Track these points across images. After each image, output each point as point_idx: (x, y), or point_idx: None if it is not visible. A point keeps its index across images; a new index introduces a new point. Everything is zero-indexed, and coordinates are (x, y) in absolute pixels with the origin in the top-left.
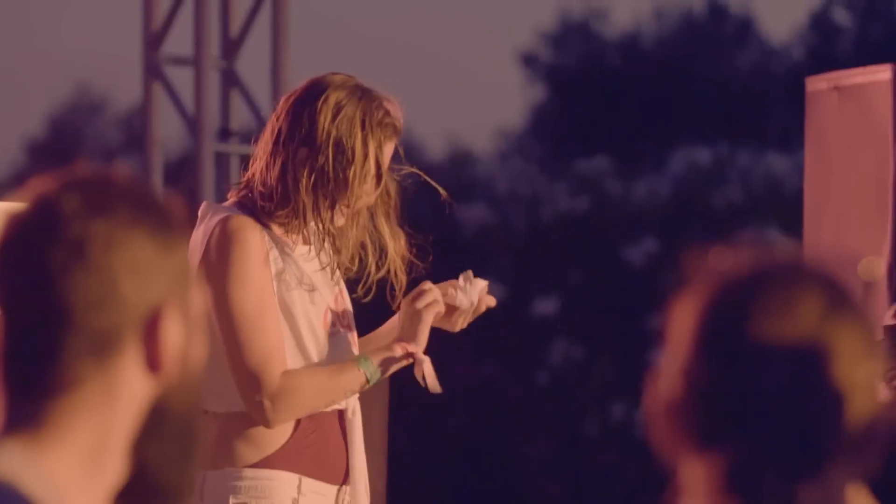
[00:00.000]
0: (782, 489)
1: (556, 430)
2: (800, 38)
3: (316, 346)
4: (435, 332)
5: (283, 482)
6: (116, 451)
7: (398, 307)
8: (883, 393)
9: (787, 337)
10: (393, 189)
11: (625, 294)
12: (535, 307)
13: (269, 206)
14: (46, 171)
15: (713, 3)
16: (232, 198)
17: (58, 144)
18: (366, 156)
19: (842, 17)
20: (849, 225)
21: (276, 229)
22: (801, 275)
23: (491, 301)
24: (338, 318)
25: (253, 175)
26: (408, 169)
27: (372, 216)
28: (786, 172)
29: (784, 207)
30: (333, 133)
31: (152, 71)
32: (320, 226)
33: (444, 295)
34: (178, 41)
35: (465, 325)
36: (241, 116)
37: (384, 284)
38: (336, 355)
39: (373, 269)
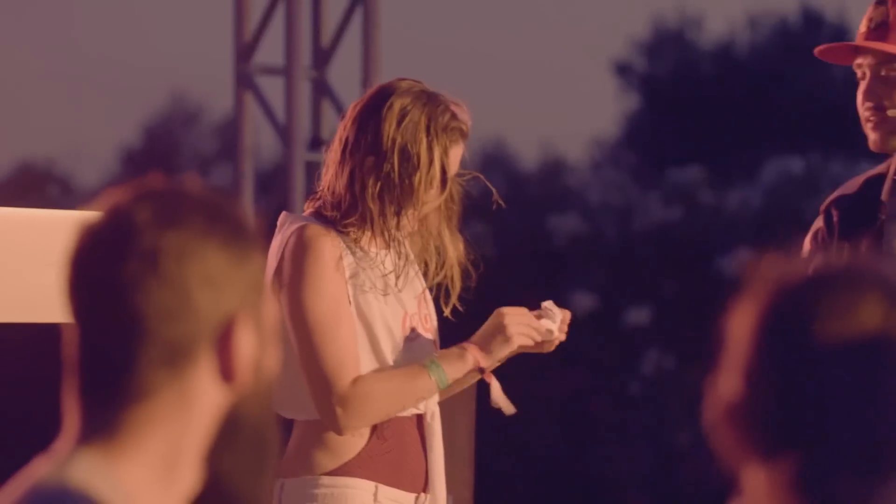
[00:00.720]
0: (855, 493)
1: (648, 440)
2: None
3: (394, 350)
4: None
5: (360, 489)
6: (190, 460)
7: (450, 313)
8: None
9: (852, 338)
10: (457, 194)
11: (718, 304)
12: (628, 317)
13: (338, 215)
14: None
15: (808, 11)
16: (308, 208)
17: (153, 153)
18: (431, 161)
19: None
20: None
21: (352, 236)
22: (861, 276)
23: (562, 336)
24: (418, 323)
25: (325, 184)
26: (470, 174)
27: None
28: None
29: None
30: (398, 140)
31: (244, 81)
32: (387, 233)
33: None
34: (270, 51)
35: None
36: (332, 126)
37: (469, 296)
38: (415, 360)
39: (431, 273)
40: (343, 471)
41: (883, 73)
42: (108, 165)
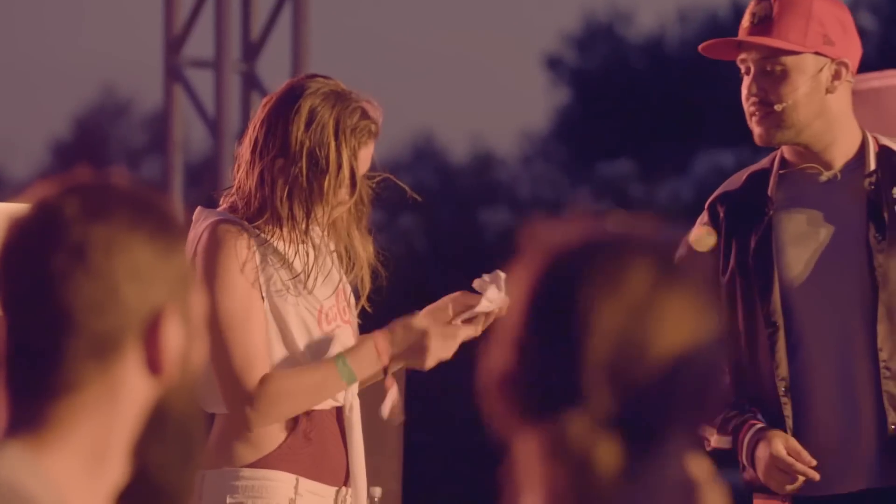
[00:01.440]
0: (617, 459)
1: None
2: None
3: (309, 346)
4: None
5: (280, 482)
6: (118, 452)
7: (358, 313)
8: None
9: (617, 307)
10: (366, 196)
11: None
12: None
13: (249, 214)
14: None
15: (738, 5)
16: (224, 203)
17: (83, 146)
18: (340, 164)
19: (866, 20)
20: None
21: (264, 233)
22: (630, 245)
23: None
24: (336, 316)
25: (237, 181)
26: (382, 175)
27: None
28: None
29: None
30: (307, 143)
31: (173, 73)
32: (297, 234)
33: (464, 310)
34: (200, 44)
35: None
36: None
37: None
38: (329, 351)
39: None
40: (263, 463)
41: (767, 67)
42: (38, 157)
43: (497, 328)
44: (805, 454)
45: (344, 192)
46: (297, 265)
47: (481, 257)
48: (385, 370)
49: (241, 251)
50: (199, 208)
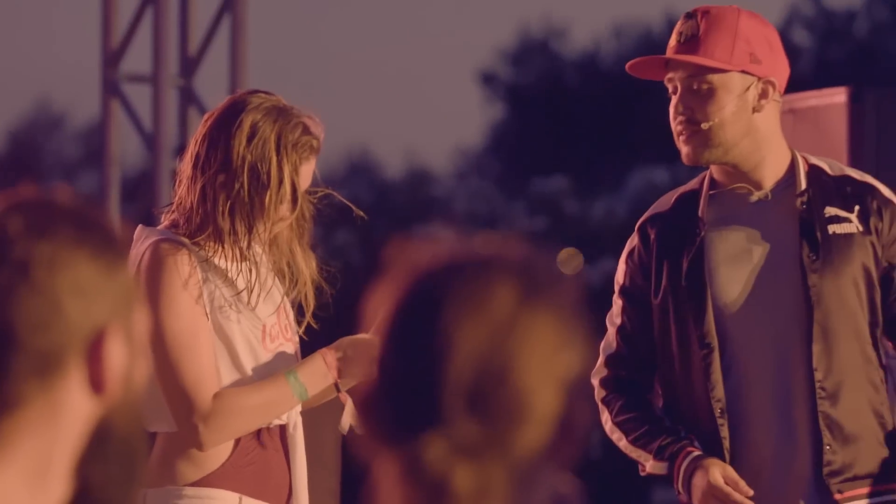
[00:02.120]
0: (472, 482)
1: None
2: None
3: (255, 364)
4: None
5: (223, 501)
6: (60, 471)
7: (303, 331)
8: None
9: (478, 329)
10: (308, 211)
11: (583, 313)
12: None
13: (190, 230)
14: (3, 186)
15: (672, 21)
16: (165, 220)
17: (17, 159)
18: (281, 180)
19: (801, 37)
20: None
21: (206, 251)
22: (495, 267)
23: None
24: (279, 334)
25: (178, 197)
26: (323, 191)
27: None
28: None
29: None
30: (248, 158)
31: (111, 88)
32: (238, 250)
33: None
34: (137, 58)
35: None
36: None
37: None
38: (274, 368)
39: (285, 290)
40: (206, 482)
41: (694, 86)
42: None
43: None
44: (742, 484)
45: (285, 208)
46: (240, 282)
47: None
48: (337, 386)
49: (183, 269)
50: (140, 227)
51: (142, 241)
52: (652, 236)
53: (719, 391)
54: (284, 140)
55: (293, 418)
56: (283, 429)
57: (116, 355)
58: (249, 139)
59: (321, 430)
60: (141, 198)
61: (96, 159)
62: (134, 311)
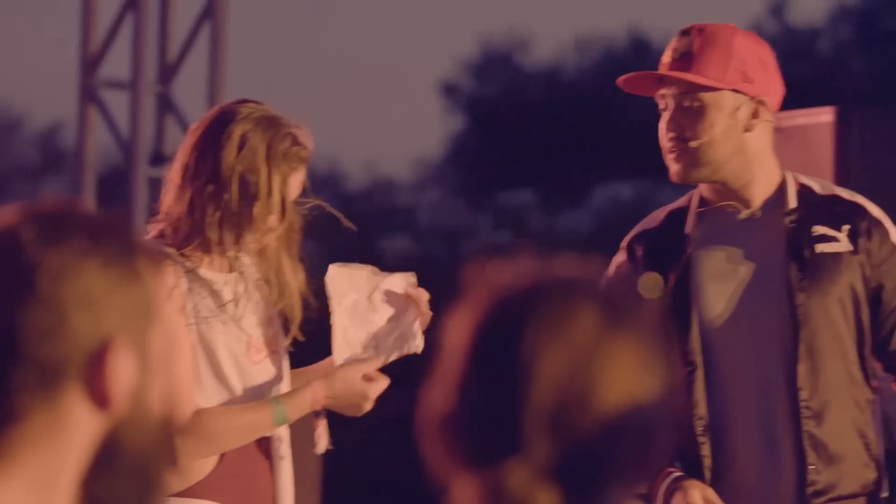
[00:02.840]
0: None
1: None
2: None
3: (240, 376)
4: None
5: None
6: (65, 486)
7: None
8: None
9: (563, 350)
10: (297, 222)
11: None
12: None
13: (178, 240)
14: None
15: (634, 36)
16: (152, 230)
17: None
18: (270, 191)
19: None
20: None
21: (193, 262)
22: (577, 290)
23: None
24: (264, 347)
25: (165, 207)
26: (313, 202)
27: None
28: None
29: None
30: (238, 168)
31: (88, 94)
32: (224, 261)
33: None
34: (114, 64)
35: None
36: (175, 142)
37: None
38: (262, 385)
39: (272, 301)
40: (191, 492)
41: (686, 103)
42: None
43: (440, 367)
44: None
45: (274, 219)
46: (226, 293)
47: None
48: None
49: (167, 279)
50: None
51: None
52: (639, 253)
53: (702, 409)
54: (274, 151)
55: (279, 432)
56: (268, 443)
57: (123, 369)
58: (239, 149)
59: (302, 447)
60: (116, 205)
61: (57, 163)
62: (150, 324)
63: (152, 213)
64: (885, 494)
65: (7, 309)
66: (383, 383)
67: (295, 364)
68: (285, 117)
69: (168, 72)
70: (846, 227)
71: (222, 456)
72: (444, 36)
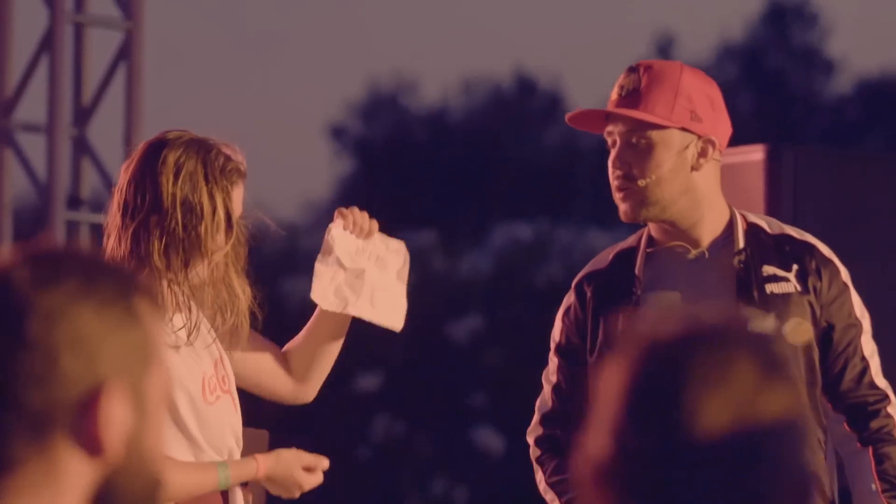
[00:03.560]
0: None
1: None
2: None
3: (195, 415)
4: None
5: None
6: None
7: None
8: None
9: (721, 404)
10: (242, 236)
11: (448, 369)
12: (357, 382)
13: None
14: None
15: (521, 76)
16: None
17: None
18: (214, 208)
19: None
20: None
21: None
22: (732, 337)
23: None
24: (218, 384)
25: (108, 252)
26: (255, 217)
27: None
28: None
29: None
30: (178, 193)
31: (4, 137)
32: (176, 288)
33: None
34: (29, 107)
35: None
36: (91, 184)
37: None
38: (216, 423)
39: (220, 321)
40: None
41: (633, 140)
42: None
43: (595, 414)
44: None
45: (221, 237)
46: (178, 321)
47: (283, 328)
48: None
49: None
50: None
51: None
52: (588, 294)
53: None
54: (211, 169)
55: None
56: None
57: (116, 414)
58: (176, 175)
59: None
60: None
61: None
62: (147, 368)
63: None
64: None
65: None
66: (318, 478)
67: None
68: (213, 138)
69: (84, 114)
70: (795, 267)
71: None
72: (332, 78)
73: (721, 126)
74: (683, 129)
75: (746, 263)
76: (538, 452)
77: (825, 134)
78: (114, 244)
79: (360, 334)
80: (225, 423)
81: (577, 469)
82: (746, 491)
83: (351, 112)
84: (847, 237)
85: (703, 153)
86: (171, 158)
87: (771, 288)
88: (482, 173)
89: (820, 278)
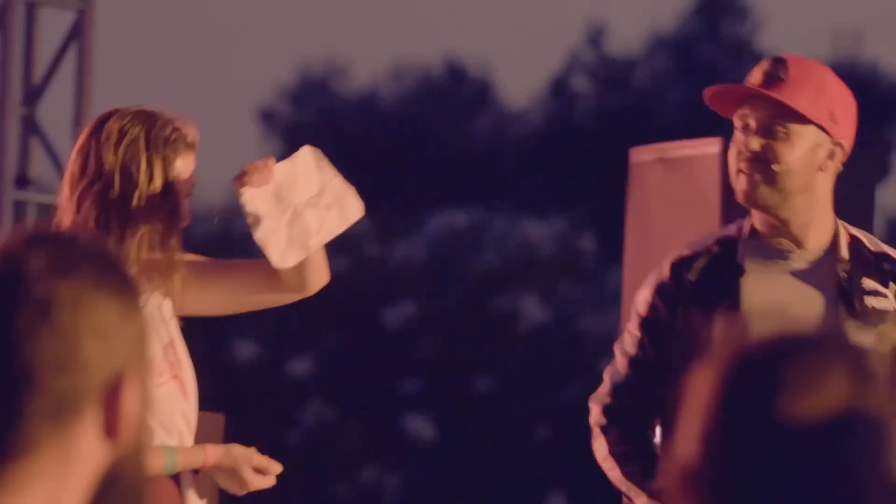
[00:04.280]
0: None
1: (307, 492)
2: (540, 104)
3: None
4: None
5: None
6: None
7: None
8: None
9: (812, 405)
10: (183, 207)
11: (381, 356)
12: (289, 367)
13: None
14: None
15: (451, 64)
16: None
17: None
18: (151, 177)
19: (581, 84)
20: None
21: None
22: (826, 349)
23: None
24: (167, 367)
25: (57, 223)
26: (217, 215)
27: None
28: (542, 238)
29: (539, 273)
30: (118, 160)
31: None
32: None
33: None
34: None
35: None
36: (40, 164)
37: None
38: (164, 405)
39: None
40: None
41: (772, 127)
42: None
43: (683, 423)
44: None
45: (158, 204)
46: None
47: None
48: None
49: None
50: None
51: None
52: (686, 276)
53: None
54: (154, 136)
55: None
56: (176, 478)
57: (132, 401)
58: (118, 143)
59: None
60: None
61: None
62: (146, 355)
63: None
64: None
65: (24, 341)
66: (269, 481)
67: None
68: (165, 110)
69: (33, 94)
70: (893, 286)
71: None
72: (262, 62)
73: (849, 135)
74: (820, 128)
75: (849, 273)
76: (604, 421)
77: None
78: (60, 217)
79: (294, 318)
80: (175, 409)
81: (666, 473)
82: (833, 498)
83: (281, 96)
84: None
85: (831, 155)
86: (115, 127)
87: (871, 302)
88: (415, 160)
89: None
